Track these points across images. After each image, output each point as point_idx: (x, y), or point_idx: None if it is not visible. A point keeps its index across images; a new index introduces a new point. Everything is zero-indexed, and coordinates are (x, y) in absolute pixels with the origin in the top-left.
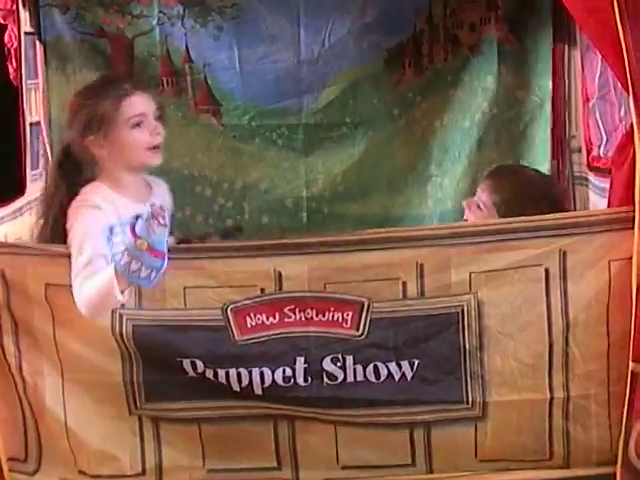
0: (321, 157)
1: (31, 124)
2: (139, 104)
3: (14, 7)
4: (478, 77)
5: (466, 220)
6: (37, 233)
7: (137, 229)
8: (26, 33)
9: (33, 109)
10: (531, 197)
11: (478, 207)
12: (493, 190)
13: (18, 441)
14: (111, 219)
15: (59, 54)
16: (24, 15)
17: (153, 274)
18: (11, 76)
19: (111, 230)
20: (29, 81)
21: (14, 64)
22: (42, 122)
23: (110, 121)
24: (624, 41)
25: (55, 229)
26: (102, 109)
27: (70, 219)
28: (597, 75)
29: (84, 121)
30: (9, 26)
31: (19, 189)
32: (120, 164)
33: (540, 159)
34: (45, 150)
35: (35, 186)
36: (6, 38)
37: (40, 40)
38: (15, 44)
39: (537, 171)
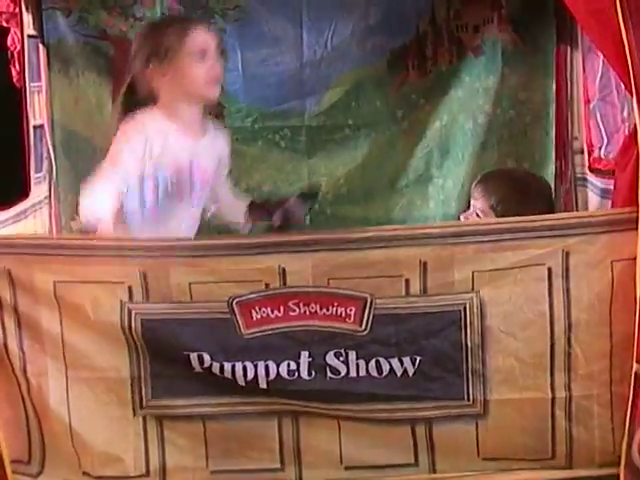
0: (324, 159)
1: (34, 127)
2: (202, 39)
3: (17, 10)
4: (480, 77)
5: None
6: None
7: None
8: (29, 36)
9: (37, 112)
10: (525, 194)
11: (477, 216)
12: (486, 194)
13: (21, 443)
14: (154, 146)
15: (62, 57)
16: (27, 18)
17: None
18: (14, 79)
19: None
20: (32, 84)
21: (17, 67)
22: (45, 125)
23: (174, 52)
24: (627, 42)
25: None
26: (167, 40)
27: (117, 134)
28: (598, 76)
29: (148, 51)
30: (12, 29)
31: (23, 192)
32: (179, 94)
33: (544, 160)
34: (49, 153)
35: (39, 189)
36: (9, 41)
37: (43, 43)
38: (18, 47)
39: (525, 170)
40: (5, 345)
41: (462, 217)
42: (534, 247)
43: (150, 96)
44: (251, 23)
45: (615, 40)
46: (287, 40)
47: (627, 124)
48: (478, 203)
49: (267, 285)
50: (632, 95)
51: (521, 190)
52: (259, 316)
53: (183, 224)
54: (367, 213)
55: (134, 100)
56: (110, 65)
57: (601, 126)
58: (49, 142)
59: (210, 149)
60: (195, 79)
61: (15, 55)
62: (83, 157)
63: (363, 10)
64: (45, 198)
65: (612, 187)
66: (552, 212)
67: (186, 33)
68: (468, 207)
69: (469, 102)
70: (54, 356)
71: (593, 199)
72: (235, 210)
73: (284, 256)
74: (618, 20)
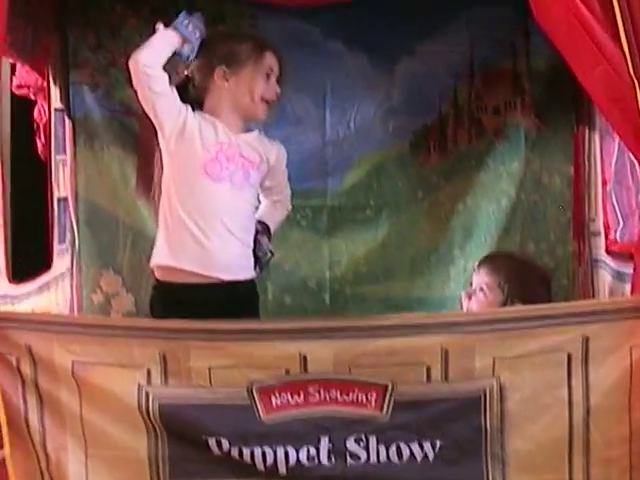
0: (344, 239)
1: (58, 199)
2: (273, 60)
3: (45, 84)
4: (503, 162)
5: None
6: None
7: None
8: (56, 109)
9: (61, 184)
10: (529, 276)
11: (481, 290)
12: (494, 272)
13: None
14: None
15: (88, 131)
16: (54, 92)
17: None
18: (39, 151)
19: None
20: (57, 156)
21: (43, 139)
22: (69, 197)
23: (247, 61)
24: None
25: None
26: (245, 50)
27: None
28: (614, 160)
29: (225, 51)
30: (39, 102)
31: (46, 264)
32: (235, 102)
33: (561, 242)
34: (72, 225)
35: (61, 261)
36: (35, 113)
37: (69, 116)
38: (45, 119)
39: (527, 255)
40: (26, 420)
41: (464, 294)
42: (554, 334)
43: (207, 92)
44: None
45: (635, 126)
46: (310, 119)
47: None
48: (484, 279)
49: (287, 371)
50: None
51: (526, 272)
52: (279, 402)
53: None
54: (387, 293)
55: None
56: (135, 141)
57: (617, 209)
58: (72, 215)
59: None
60: (255, 94)
61: (41, 127)
62: (106, 230)
63: (386, 91)
64: (67, 270)
65: (627, 270)
66: (550, 297)
67: (263, 50)
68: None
69: (492, 185)
70: (74, 433)
71: (609, 281)
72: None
73: (305, 343)
74: (638, 107)
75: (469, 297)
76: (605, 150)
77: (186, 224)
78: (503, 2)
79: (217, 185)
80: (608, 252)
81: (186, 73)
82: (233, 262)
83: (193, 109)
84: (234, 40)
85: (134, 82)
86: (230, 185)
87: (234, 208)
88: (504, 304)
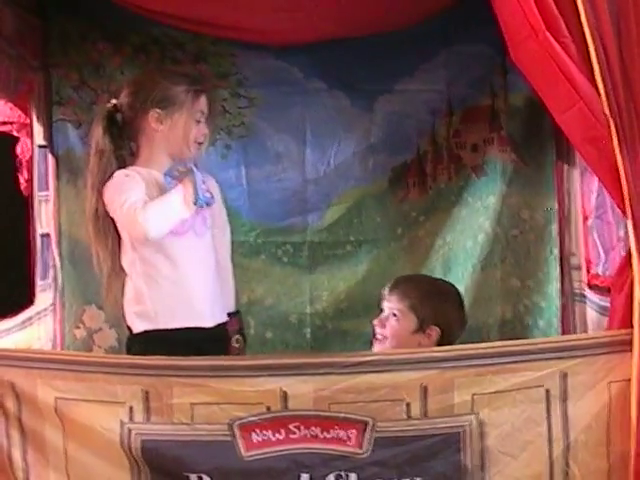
0: (325, 274)
1: (41, 235)
2: (204, 103)
3: (27, 120)
4: (481, 197)
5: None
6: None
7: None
8: (39, 146)
9: (43, 220)
10: (440, 295)
11: (394, 316)
12: (405, 296)
13: None
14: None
15: (70, 167)
16: (37, 129)
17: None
18: (22, 187)
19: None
20: (40, 193)
21: (25, 175)
22: (52, 233)
23: (182, 106)
24: (623, 169)
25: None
26: (180, 91)
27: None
28: (594, 195)
29: (161, 95)
30: (22, 138)
31: (28, 299)
32: (168, 145)
33: (547, 278)
34: (54, 261)
35: (44, 296)
36: (18, 150)
37: (52, 153)
38: (27, 156)
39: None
40: (9, 456)
41: (377, 322)
42: (532, 369)
43: (129, 130)
44: (255, 140)
45: (611, 166)
46: (290, 157)
47: (623, 243)
48: (397, 305)
49: (268, 408)
50: (627, 219)
51: (437, 291)
52: (260, 438)
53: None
54: (367, 328)
55: (120, 134)
56: None
57: (598, 243)
58: (55, 251)
59: None
60: (189, 138)
61: (24, 164)
62: (88, 266)
63: (365, 129)
64: (50, 306)
65: (609, 304)
66: (464, 317)
67: (198, 95)
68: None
69: (469, 220)
70: (57, 469)
71: (591, 315)
72: None
73: (286, 379)
74: (614, 148)
75: (382, 325)
76: (585, 185)
77: (162, 285)
78: (480, 41)
79: (182, 239)
80: (590, 286)
81: (114, 102)
82: (211, 309)
83: (115, 139)
84: (169, 82)
85: (122, 225)
86: (194, 235)
87: (202, 256)
88: (419, 328)
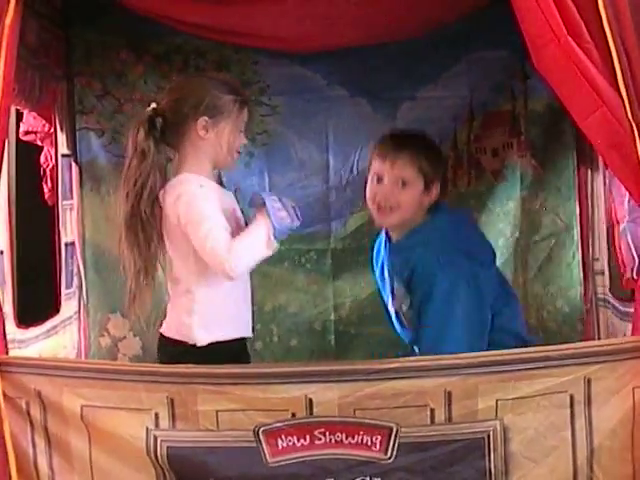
0: (348, 281)
1: (66, 244)
2: (246, 114)
3: (51, 130)
4: (500, 202)
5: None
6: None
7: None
8: (62, 155)
9: (68, 229)
10: (434, 146)
11: (403, 184)
12: (414, 160)
13: None
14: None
15: (94, 176)
16: (61, 138)
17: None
18: (46, 196)
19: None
20: (64, 201)
21: (49, 184)
22: (76, 242)
23: (229, 116)
24: None
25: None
26: (228, 101)
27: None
28: (626, 199)
29: (209, 103)
30: (46, 148)
31: (54, 308)
32: (213, 152)
33: (570, 283)
34: (79, 269)
35: (69, 304)
36: (42, 159)
37: (76, 162)
38: (51, 165)
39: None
40: (35, 464)
41: (378, 191)
42: (556, 375)
43: (171, 133)
44: (279, 147)
45: (635, 172)
46: (313, 164)
47: None
48: (404, 171)
49: (293, 414)
50: None
51: (432, 145)
52: (285, 445)
53: None
54: (390, 333)
55: (157, 139)
56: None
57: (632, 247)
58: (79, 259)
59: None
60: (233, 147)
61: (47, 173)
62: (113, 274)
63: None
64: (75, 314)
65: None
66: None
67: (243, 107)
68: None
69: (490, 226)
70: (82, 476)
71: (613, 321)
72: None
73: (311, 386)
74: (637, 153)
75: (389, 196)
76: (615, 189)
77: (223, 295)
78: (501, 46)
79: None
80: (622, 290)
81: (154, 106)
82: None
83: (157, 143)
84: (219, 90)
85: (202, 253)
86: None
87: None
88: (425, 189)
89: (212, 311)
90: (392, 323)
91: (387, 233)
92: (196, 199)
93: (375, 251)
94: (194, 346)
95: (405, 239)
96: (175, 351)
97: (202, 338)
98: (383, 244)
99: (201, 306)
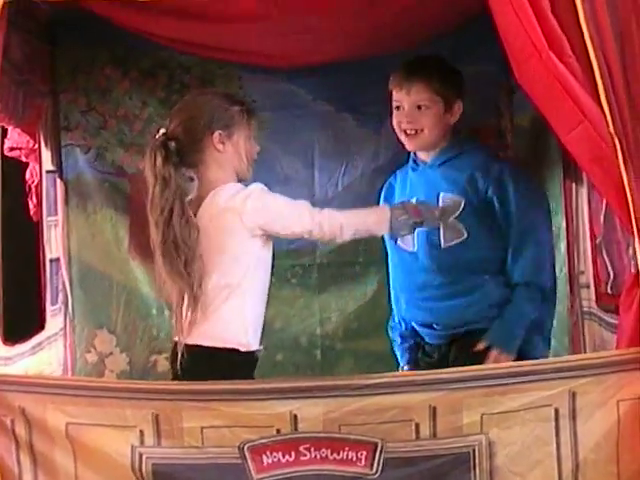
0: (334, 295)
1: (51, 260)
2: (255, 124)
3: (36, 146)
4: None
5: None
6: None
7: None
8: (47, 171)
9: (53, 245)
10: (447, 64)
11: (422, 107)
12: (428, 83)
13: None
14: None
15: (79, 192)
16: (46, 154)
17: None
18: (31, 212)
19: None
20: (49, 218)
21: (34, 200)
22: (62, 258)
23: (240, 126)
24: (629, 188)
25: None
26: (237, 111)
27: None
28: (602, 214)
29: (222, 115)
30: (31, 164)
31: (39, 324)
32: (231, 164)
33: (558, 297)
34: (64, 286)
35: (54, 321)
36: (27, 175)
37: (61, 178)
38: (36, 181)
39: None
40: None
41: (403, 119)
42: (541, 389)
43: (189, 162)
44: (264, 162)
45: (617, 186)
46: (299, 179)
47: (633, 262)
48: (420, 95)
49: (278, 430)
50: (634, 238)
51: (445, 63)
52: (270, 461)
53: None
54: (376, 347)
55: (176, 162)
56: (127, 202)
57: (607, 262)
58: (65, 275)
59: None
60: (248, 156)
61: (33, 189)
62: (99, 290)
63: (373, 151)
64: (60, 330)
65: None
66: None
67: (251, 115)
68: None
69: None
70: None
71: (600, 333)
72: None
73: (296, 402)
74: (620, 167)
75: (413, 120)
76: (593, 204)
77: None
78: (486, 61)
79: None
80: (599, 305)
81: (163, 131)
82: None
83: (177, 167)
84: (227, 103)
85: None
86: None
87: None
88: (447, 108)
89: (255, 319)
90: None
91: (415, 159)
92: (263, 192)
93: (387, 190)
94: (237, 353)
95: (437, 158)
96: (220, 359)
97: (254, 342)
98: (409, 170)
99: (248, 312)
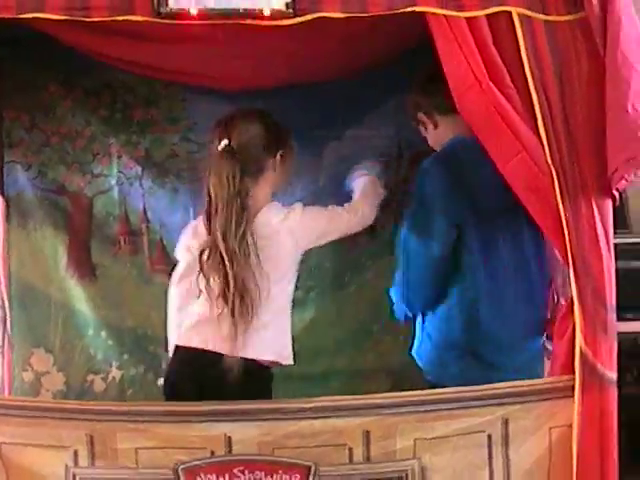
0: None
1: None
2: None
3: None
4: None
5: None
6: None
7: None
8: None
9: None
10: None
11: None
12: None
13: None
14: None
15: (20, 210)
16: None
17: None
18: None
19: None
20: None
21: None
22: (1, 276)
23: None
24: (565, 218)
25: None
26: (285, 133)
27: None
28: None
29: (283, 137)
30: None
31: None
32: (278, 183)
33: None
34: (3, 303)
35: None
36: None
37: (2, 195)
38: None
39: None
40: None
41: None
42: (474, 415)
43: (249, 165)
44: (204, 184)
45: (553, 215)
46: None
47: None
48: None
49: (212, 452)
50: (568, 267)
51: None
52: None
53: None
54: (312, 370)
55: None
56: (66, 220)
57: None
58: (4, 293)
59: None
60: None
61: None
62: (37, 309)
63: (313, 175)
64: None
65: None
66: None
67: (292, 135)
68: None
69: None
70: None
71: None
72: None
73: (230, 425)
74: (556, 198)
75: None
76: None
77: None
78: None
79: None
80: None
81: (225, 142)
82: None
83: (241, 177)
84: (286, 133)
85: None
86: None
87: None
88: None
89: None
90: None
91: None
92: (306, 210)
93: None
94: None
95: None
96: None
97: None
98: None
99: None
